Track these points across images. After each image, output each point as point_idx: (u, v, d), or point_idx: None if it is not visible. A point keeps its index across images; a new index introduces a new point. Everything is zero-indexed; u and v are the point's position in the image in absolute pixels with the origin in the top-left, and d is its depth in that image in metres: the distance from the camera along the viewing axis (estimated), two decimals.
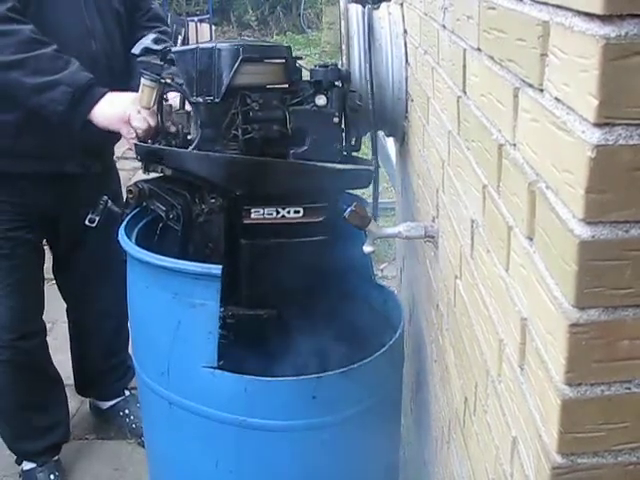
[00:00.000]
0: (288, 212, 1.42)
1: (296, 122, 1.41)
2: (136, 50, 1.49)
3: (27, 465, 2.09)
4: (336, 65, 1.47)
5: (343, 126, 1.46)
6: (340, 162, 1.43)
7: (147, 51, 1.49)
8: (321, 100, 1.41)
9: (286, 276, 1.41)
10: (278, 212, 1.42)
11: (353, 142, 1.49)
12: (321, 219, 1.43)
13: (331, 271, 1.46)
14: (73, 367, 2.26)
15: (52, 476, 2.08)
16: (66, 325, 2.25)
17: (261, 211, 1.42)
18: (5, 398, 2.00)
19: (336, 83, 1.43)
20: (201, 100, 1.41)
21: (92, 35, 1.73)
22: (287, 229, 1.43)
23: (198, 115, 1.43)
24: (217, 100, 1.40)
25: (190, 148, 1.43)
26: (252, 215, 1.42)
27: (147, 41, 1.51)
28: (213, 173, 1.43)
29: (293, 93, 1.44)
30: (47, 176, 1.78)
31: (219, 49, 1.40)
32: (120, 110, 1.55)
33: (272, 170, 1.42)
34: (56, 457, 2.12)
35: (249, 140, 1.40)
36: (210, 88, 1.40)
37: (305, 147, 1.42)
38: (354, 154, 1.53)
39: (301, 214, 1.43)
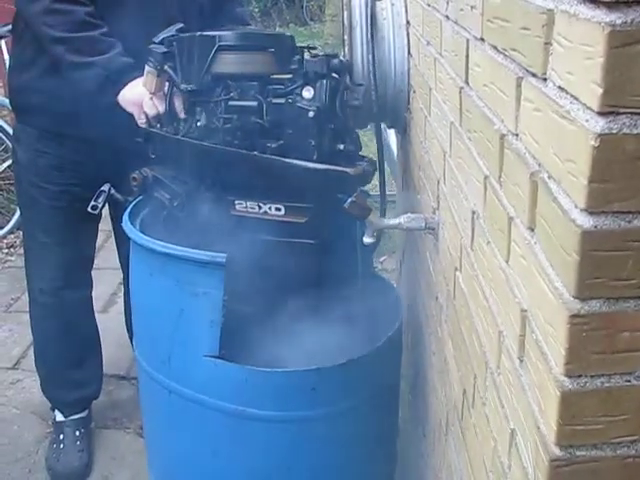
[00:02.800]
0: (270, 208, 1.38)
1: (272, 115, 1.37)
2: (157, 38, 1.51)
3: (59, 416, 2.19)
4: (330, 56, 1.41)
5: (332, 121, 1.37)
6: (320, 161, 1.35)
7: (164, 39, 1.51)
8: (307, 93, 1.34)
9: (270, 274, 1.37)
10: (260, 207, 1.39)
11: (348, 139, 1.41)
12: (304, 220, 1.37)
13: (320, 273, 1.42)
14: (126, 322, 2.29)
15: (77, 432, 2.16)
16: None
17: (244, 204, 1.39)
18: (44, 343, 2.12)
19: (331, 75, 1.37)
20: (184, 87, 1.41)
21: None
22: (271, 226, 1.39)
23: (186, 102, 1.44)
24: (195, 88, 1.40)
25: (179, 135, 1.43)
26: (236, 207, 1.41)
27: (171, 30, 1.52)
28: (184, 160, 1.43)
29: (279, 84, 1.40)
30: (108, 143, 1.84)
31: (199, 37, 1.40)
32: (136, 94, 1.61)
33: (240, 163, 1.38)
34: (84, 414, 2.20)
35: (229, 130, 1.38)
36: (191, 76, 1.40)
37: (281, 142, 1.36)
38: (361, 153, 1.47)
39: (282, 212, 1.38)
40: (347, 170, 1.35)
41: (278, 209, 1.38)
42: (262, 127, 1.38)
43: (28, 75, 1.83)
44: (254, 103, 1.38)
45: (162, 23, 1.61)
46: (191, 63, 1.43)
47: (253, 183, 1.38)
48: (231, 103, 1.39)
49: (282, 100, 1.37)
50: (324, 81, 1.35)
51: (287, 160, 1.34)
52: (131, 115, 1.64)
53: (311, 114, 1.32)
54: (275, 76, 1.43)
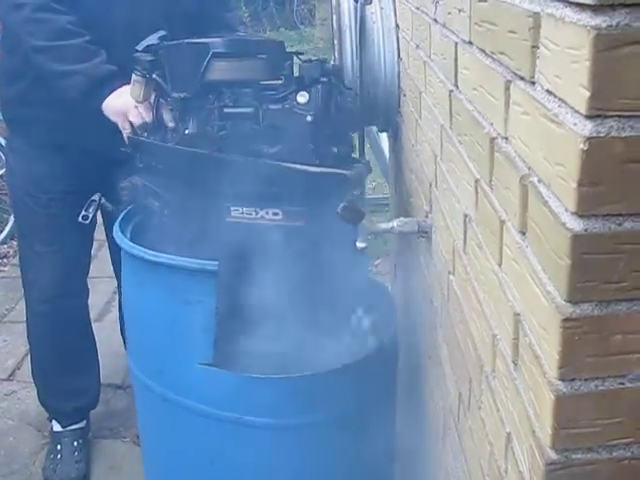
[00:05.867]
0: (267, 213, 1.38)
1: (268, 120, 1.37)
2: (140, 46, 1.51)
3: (56, 426, 2.18)
4: (323, 60, 1.42)
5: (328, 125, 1.38)
6: (318, 164, 1.36)
7: (149, 47, 1.50)
8: (302, 97, 1.35)
9: (266, 279, 1.36)
10: (257, 212, 1.38)
11: (342, 142, 1.42)
12: (301, 223, 1.38)
13: (317, 277, 1.41)
14: (122, 331, 2.29)
15: (75, 443, 2.14)
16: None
17: (240, 210, 1.39)
18: (41, 352, 2.12)
19: (323, 79, 1.37)
20: (177, 96, 1.41)
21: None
22: (268, 231, 1.38)
23: (178, 111, 1.43)
24: (189, 96, 1.39)
25: (171, 144, 1.43)
26: (232, 213, 1.40)
27: (153, 38, 1.51)
28: (177, 168, 1.42)
29: (273, 90, 1.40)
30: (99, 151, 1.84)
31: (192, 44, 1.40)
32: (122, 103, 1.61)
33: (238, 169, 1.37)
34: (82, 424, 2.19)
35: (224, 137, 1.38)
36: (185, 84, 1.40)
37: (278, 146, 1.36)
38: (354, 155, 1.48)
39: (280, 216, 1.38)
40: (344, 172, 1.36)
41: (275, 213, 1.38)
42: (258, 133, 1.38)
43: (19, 86, 1.83)
44: (250, 109, 1.38)
45: (146, 31, 1.60)
46: (183, 71, 1.42)
47: (250, 188, 1.38)
48: (226, 110, 1.39)
49: (278, 106, 1.38)
50: (319, 86, 1.36)
51: (286, 164, 1.35)
52: (116, 124, 1.63)
53: (309, 119, 1.34)
54: (267, 82, 1.43)
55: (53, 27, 1.65)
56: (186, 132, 1.47)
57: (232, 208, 1.40)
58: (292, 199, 1.37)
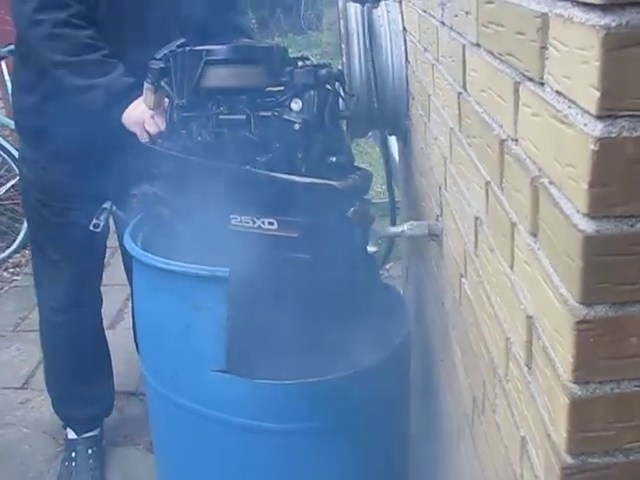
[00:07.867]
0: (263, 223, 1.36)
1: (260, 128, 1.35)
2: (158, 55, 1.52)
3: (70, 434, 2.19)
4: (319, 66, 1.39)
5: (323, 134, 1.35)
6: (310, 174, 1.32)
7: (164, 55, 1.51)
8: (296, 105, 1.32)
9: (268, 288, 1.35)
10: (254, 222, 1.36)
11: (340, 151, 1.39)
12: (296, 235, 1.34)
13: (318, 287, 1.38)
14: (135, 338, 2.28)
15: (90, 450, 2.15)
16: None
17: (238, 218, 1.38)
18: (55, 361, 2.13)
19: (327, 86, 1.34)
20: (177, 103, 1.41)
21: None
22: (266, 241, 1.36)
23: (179, 118, 1.44)
24: (185, 103, 1.40)
25: (174, 151, 1.44)
26: (232, 221, 1.40)
27: (172, 46, 1.52)
28: (179, 175, 1.42)
29: (271, 97, 1.38)
30: (113, 161, 1.85)
31: (188, 51, 1.40)
32: (138, 113, 1.62)
33: (231, 177, 1.36)
34: (96, 431, 2.20)
35: (220, 144, 1.37)
36: (182, 91, 1.40)
37: (269, 156, 1.34)
38: (357, 164, 1.46)
39: (275, 226, 1.35)
40: (333, 183, 1.32)
41: (271, 223, 1.36)
42: (251, 141, 1.37)
43: (32, 97, 1.85)
44: (242, 117, 1.36)
45: (163, 41, 1.60)
46: (183, 78, 1.43)
47: (246, 197, 1.37)
48: (221, 117, 1.38)
49: (269, 113, 1.35)
50: (312, 92, 1.33)
51: (273, 174, 1.32)
52: (135, 134, 1.63)
53: (297, 127, 1.30)
54: (269, 89, 1.42)
55: (73, 42, 1.67)
56: (188, 140, 1.47)
57: (231, 216, 1.39)
58: (285, 209, 1.34)
